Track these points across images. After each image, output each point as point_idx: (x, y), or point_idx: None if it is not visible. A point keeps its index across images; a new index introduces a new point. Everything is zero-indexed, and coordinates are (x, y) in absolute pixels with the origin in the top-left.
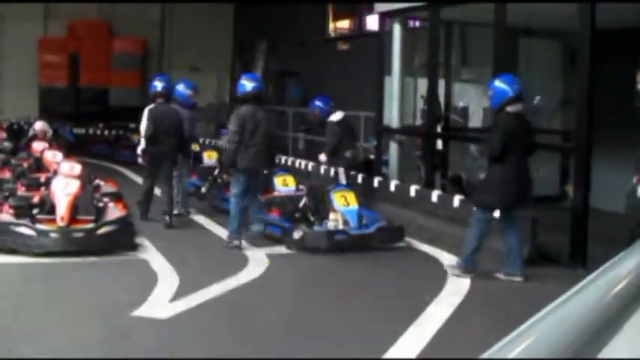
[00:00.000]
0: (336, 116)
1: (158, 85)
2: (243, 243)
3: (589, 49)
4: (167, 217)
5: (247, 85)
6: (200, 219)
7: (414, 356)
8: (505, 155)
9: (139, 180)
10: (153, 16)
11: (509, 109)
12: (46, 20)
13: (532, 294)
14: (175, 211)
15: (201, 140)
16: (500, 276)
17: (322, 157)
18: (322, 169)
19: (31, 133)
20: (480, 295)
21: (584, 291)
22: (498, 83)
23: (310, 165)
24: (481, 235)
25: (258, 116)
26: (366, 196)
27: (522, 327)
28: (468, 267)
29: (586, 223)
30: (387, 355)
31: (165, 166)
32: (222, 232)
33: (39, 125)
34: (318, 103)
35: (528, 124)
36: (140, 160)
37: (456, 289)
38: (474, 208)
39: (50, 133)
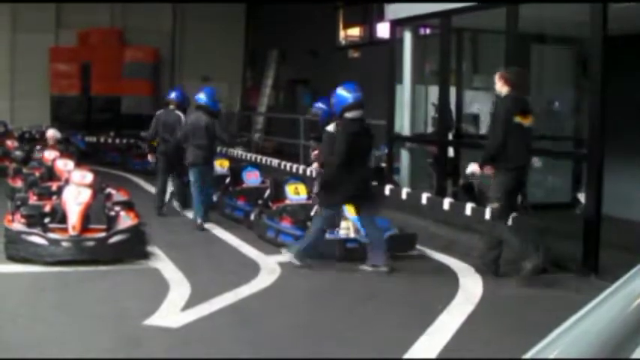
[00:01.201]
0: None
1: (172, 93)
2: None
3: (601, 56)
4: (157, 209)
5: (202, 97)
6: (213, 228)
7: None
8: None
9: (151, 188)
10: (164, 26)
11: (349, 114)
12: (57, 30)
13: (545, 302)
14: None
15: None
16: (366, 267)
17: (314, 165)
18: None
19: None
20: (492, 303)
21: (605, 303)
22: (340, 91)
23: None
24: (321, 230)
25: (201, 121)
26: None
27: (543, 342)
28: (304, 255)
29: (598, 231)
30: None
31: (164, 164)
32: (236, 242)
33: (50, 132)
34: (319, 104)
35: (368, 128)
36: (149, 157)
37: (468, 297)
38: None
39: (58, 137)
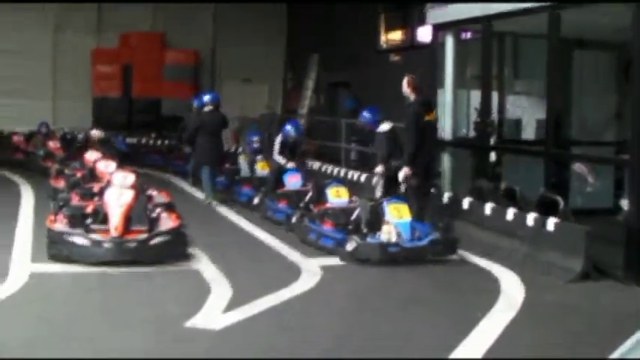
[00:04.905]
0: (385, 127)
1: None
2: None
3: None
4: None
5: (204, 96)
6: (252, 228)
7: None
8: None
9: (191, 191)
10: (205, 29)
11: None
12: (99, 32)
13: (587, 310)
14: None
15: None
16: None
17: (379, 168)
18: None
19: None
20: (533, 311)
21: None
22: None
23: (364, 176)
24: (209, 180)
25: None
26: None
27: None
28: (210, 198)
29: None
30: None
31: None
32: (277, 244)
33: (95, 133)
34: (365, 114)
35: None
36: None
37: (510, 303)
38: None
39: (101, 136)
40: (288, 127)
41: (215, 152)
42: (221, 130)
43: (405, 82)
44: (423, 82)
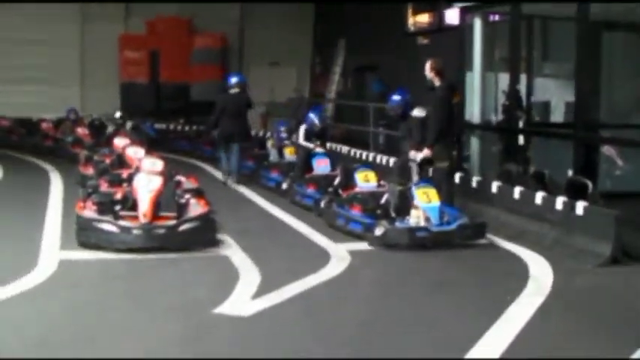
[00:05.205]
0: (421, 112)
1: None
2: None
3: None
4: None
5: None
6: (280, 213)
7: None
8: None
9: (220, 176)
10: (233, 13)
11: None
12: (126, 18)
13: (616, 295)
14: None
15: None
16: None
17: (417, 155)
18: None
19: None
20: (562, 295)
21: None
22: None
23: (392, 160)
24: (226, 159)
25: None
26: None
27: None
28: (226, 175)
29: None
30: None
31: None
32: (305, 229)
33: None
34: (394, 98)
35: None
36: None
37: (538, 287)
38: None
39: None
40: (312, 116)
41: (236, 132)
42: (245, 112)
43: (427, 65)
44: (446, 66)
